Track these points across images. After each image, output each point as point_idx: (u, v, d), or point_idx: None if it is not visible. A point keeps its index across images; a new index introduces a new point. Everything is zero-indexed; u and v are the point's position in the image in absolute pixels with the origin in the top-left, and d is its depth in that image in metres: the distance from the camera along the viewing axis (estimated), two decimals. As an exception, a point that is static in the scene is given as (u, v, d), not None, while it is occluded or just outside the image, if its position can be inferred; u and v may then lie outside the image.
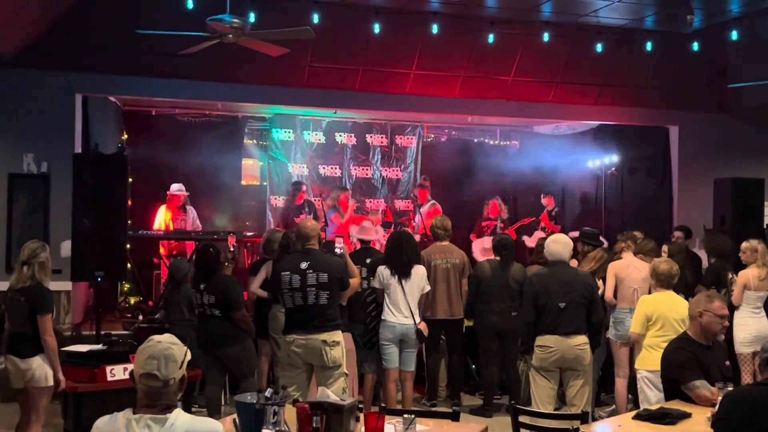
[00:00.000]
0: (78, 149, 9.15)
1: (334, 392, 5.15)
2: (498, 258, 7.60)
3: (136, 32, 8.23)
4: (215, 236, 9.33)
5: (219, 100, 10.50)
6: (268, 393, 3.71)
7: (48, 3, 8.29)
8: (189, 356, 2.92)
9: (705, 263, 9.13)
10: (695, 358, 4.61)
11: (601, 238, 8.38)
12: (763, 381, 3.71)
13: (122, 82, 9.48)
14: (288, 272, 5.82)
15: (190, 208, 10.23)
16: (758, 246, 7.37)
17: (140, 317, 8.82)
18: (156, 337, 2.90)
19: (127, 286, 9.98)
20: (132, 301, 9.88)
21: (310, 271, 5.77)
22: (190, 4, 8.55)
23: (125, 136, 10.75)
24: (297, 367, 5.80)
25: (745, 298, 7.41)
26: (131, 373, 2.88)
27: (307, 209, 10.45)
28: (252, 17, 8.29)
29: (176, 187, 10.15)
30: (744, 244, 7.47)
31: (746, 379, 6.83)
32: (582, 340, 5.89)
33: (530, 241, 8.97)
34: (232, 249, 7.78)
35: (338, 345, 5.80)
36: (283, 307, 6.19)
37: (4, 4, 7.31)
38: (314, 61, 9.86)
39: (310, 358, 5.77)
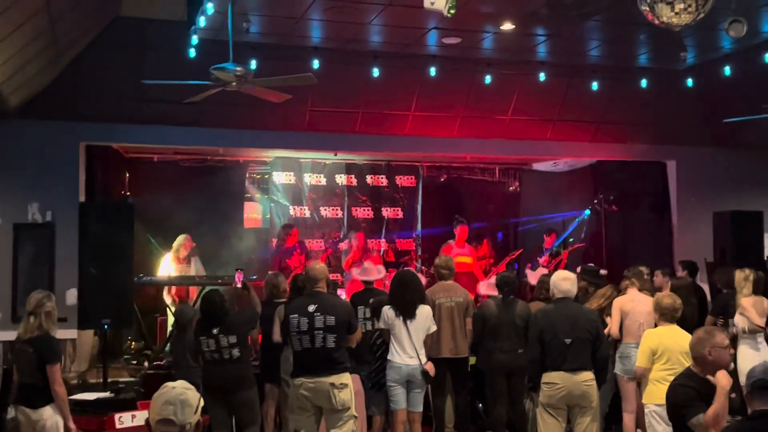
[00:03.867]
0: (82, 198, 9.22)
1: (344, 435, 5.13)
2: (500, 296, 7.62)
3: (139, 81, 8.36)
4: (219, 280, 9.36)
5: (221, 146, 10.60)
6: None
7: (51, 54, 8.43)
8: (203, 402, 2.96)
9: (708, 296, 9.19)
10: (698, 394, 4.56)
11: (603, 272, 8.42)
12: (755, 414, 3.72)
13: (125, 131, 9.60)
14: (296, 315, 5.85)
15: (194, 259, 10.11)
16: (750, 275, 7.51)
17: (146, 364, 8.82)
18: (170, 384, 2.95)
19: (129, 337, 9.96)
20: (132, 344, 9.83)
21: (318, 314, 5.79)
22: (192, 54, 8.70)
23: (128, 181, 10.84)
24: (306, 411, 5.81)
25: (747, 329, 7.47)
26: (147, 421, 2.91)
27: (299, 251, 10.49)
28: (253, 64, 8.43)
29: (182, 240, 10.03)
30: (738, 274, 7.65)
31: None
32: (588, 376, 5.91)
33: (532, 278, 8.98)
34: (239, 286, 7.81)
35: (346, 387, 5.81)
36: (293, 350, 6.18)
37: (10, 57, 7.44)
38: (315, 105, 9.99)
39: (319, 401, 5.77)
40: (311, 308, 5.83)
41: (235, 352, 6.37)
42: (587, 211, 12.45)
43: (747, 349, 7.43)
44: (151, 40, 9.10)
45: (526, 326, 7.01)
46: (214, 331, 6.40)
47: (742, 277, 7.60)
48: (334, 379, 5.76)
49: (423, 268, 11.12)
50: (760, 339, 7.49)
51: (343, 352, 5.92)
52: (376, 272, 8.30)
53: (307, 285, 6.13)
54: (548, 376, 5.91)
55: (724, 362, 4.66)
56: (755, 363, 7.06)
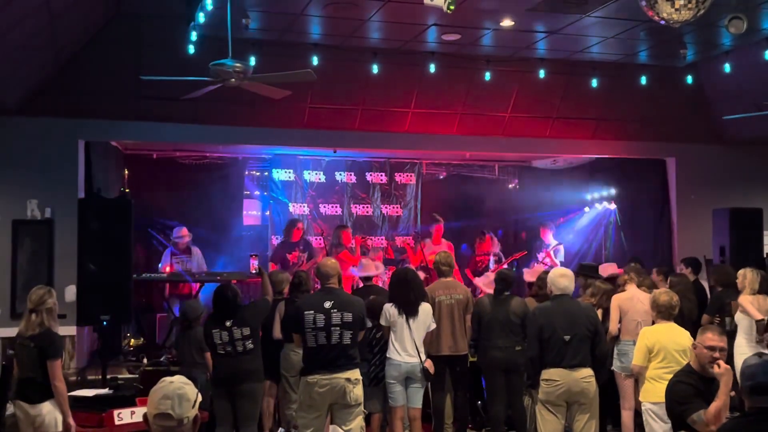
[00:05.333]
0: (81, 194, 9.22)
1: (353, 430, 5.18)
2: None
3: (138, 78, 8.34)
4: (218, 277, 9.37)
5: (220, 142, 10.56)
6: (280, 432, 3.73)
7: (51, 51, 8.42)
8: (200, 397, 2.96)
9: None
10: (696, 391, 4.55)
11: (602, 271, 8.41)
12: (752, 410, 3.72)
13: (124, 127, 9.58)
14: (312, 311, 5.83)
15: (195, 249, 10.25)
16: (748, 274, 7.51)
17: (145, 360, 8.83)
18: (168, 378, 2.95)
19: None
20: (132, 342, 9.84)
21: (335, 310, 5.81)
22: (191, 50, 8.69)
23: (127, 178, 10.83)
24: (316, 410, 5.80)
25: (746, 327, 7.46)
26: (144, 415, 2.90)
27: (302, 247, 10.48)
28: (252, 61, 8.42)
29: (179, 232, 10.17)
30: (740, 272, 7.65)
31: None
32: (587, 372, 5.92)
33: (530, 275, 8.99)
34: (253, 272, 7.82)
35: (360, 383, 5.86)
36: (296, 347, 6.16)
37: (9, 54, 7.43)
38: (314, 102, 9.98)
39: (334, 397, 5.77)
40: (327, 304, 5.82)
41: (249, 344, 6.34)
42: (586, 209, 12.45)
43: (746, 348, 7.41)
44: (150, 37, 9.07)
45: (522, 323, 7.01)
46: (227, 323, 6.37)
47: (744, 277, 7.58)
48: (350, 374, 5.80)
49: (422, 265, 11.10)
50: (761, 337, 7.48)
51: (356, 348, 5.96)
52: (374, 268, 8.30)
53: (319, 281, 6.12)
54: (547, 373, 5.92)
55: (702, 360, 4.60)
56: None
